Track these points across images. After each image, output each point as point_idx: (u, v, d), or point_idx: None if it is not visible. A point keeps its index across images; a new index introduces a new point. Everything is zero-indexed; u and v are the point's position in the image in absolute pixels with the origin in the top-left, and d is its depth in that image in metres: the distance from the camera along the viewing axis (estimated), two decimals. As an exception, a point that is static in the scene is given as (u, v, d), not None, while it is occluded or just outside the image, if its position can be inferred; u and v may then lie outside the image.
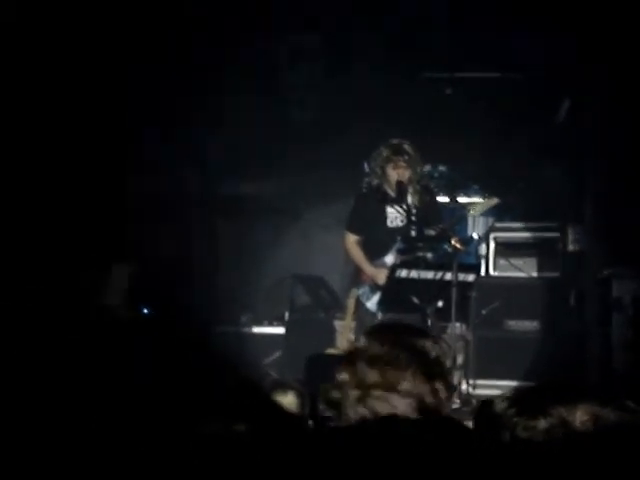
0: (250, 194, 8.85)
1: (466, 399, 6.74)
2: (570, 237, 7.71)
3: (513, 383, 6.87)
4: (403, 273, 6.26)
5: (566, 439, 1.73)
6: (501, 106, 8.10)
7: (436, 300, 6.31)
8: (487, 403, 1.90)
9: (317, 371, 5.82)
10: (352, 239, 6.72)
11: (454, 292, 6.22)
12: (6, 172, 6.48)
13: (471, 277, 6.41)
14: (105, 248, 7.20)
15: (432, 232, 6.51)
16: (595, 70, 6.88)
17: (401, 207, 6.57)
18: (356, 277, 6.79)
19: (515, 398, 1.84)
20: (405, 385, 2.21)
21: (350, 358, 2.29)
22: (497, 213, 8.04)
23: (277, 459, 1.81)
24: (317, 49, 8.29)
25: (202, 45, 7.59)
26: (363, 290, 6.62)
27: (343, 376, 2.26)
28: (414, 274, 6.25)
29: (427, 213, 6.62)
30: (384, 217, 6.64)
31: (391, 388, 2.21)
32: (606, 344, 6.45)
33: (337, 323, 7.65)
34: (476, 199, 8.09)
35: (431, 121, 8.17)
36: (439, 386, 2.23)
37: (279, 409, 2.06)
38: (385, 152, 6.56)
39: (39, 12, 6.52)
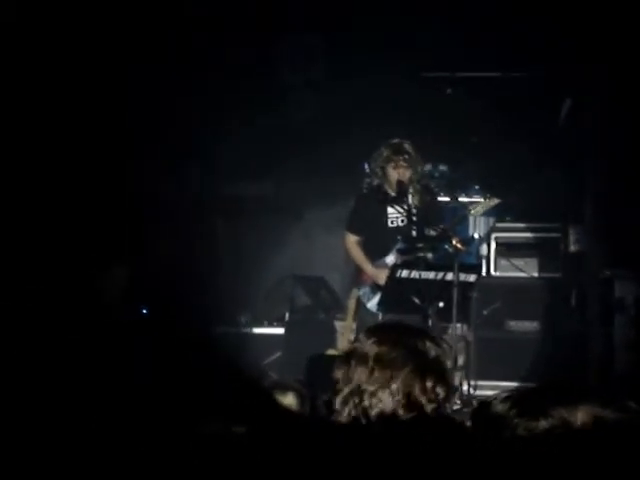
0: (251, 194, 8.85)
1: (467, 400, 6.73)
2: (571, 237, 7.71)
3: (514, 384, 6.86)
4: (404, 273, 6.25)
5: (567, 440, 1.73)
6: (501, 106, 8.10)
7: (437, 300, 6.30)
8: (485, 404, 1.89)
9: (317, 372, 5.81)
10: (352, 239, 6.72)
11: (455, 292, 6.21)
12: (6, 172, 6.48)
13: (472, 277, 6.39)
14: (105, 248, 7.20)
15: (433, 232, 6.50)
16: (595, 70, 6.88)
17: (402, 207, 6.57)
18: (357, 277, 6.78)
19: (516, 399, 1.83)
20: (397, 383, 2.22)
21: (346, 357, 2.31)
22: (498, 213, 8.04)
23: (277, 459, 1.81)
24: (317, 49, 8.28)
25: (202, 45, 7.59)
26: (364, 290, 6.61)
27: (337, 374, 2.28)
28: (415, 274, 6.24)
29: (428, 213, 6.62)
30: (385, 217, 6.63)
31: (383, 386, 2.22)
32: (608, 344, 6.45)
33: (338, 324, 7.65)
34: (477, 199, 8.08)
35: (431, 121, 8.17)
36: (429, 384, 2.24)
37: (280, 409, 2.06)
38: (385, 152, 6.55)
39: (39, 12, 6.52)
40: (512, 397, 1.84)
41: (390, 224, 6.63)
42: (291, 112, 8.42)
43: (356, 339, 2.45)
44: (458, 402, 6.59)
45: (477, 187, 8.57)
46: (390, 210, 6.62)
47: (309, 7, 7.69)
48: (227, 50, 7.74)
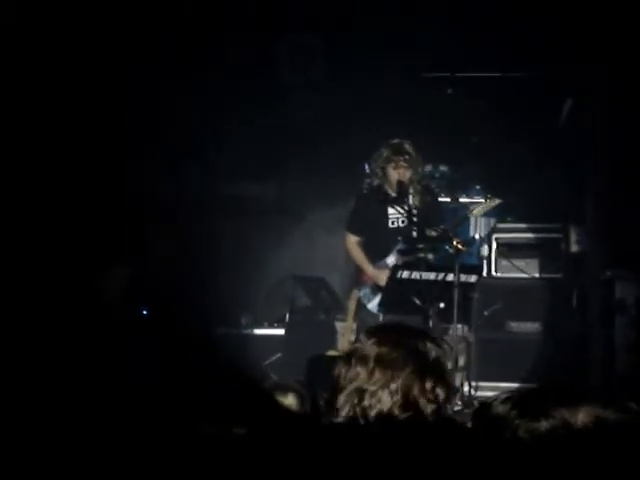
0: (251, 195, 8.85)
1: (468, 401, 6.73)
2: (572, 238, 7.71)
3: (515, 385, 6.85)
4: (404, 274, 6.24)
5: (568, 441, 1.72)
6: (502, 106, 8.10)
7: (438, 301, 6.29)
8: (486, 405, 1.89)
9: (318, 373, 5.80)
10: (352, 240, 6.71)
11: (456, 293, 6.19)
12: (6, 172, 6.48)
13: (473, 278, 6.38)
14: (105, 248, 7.20)
15: (433, 233, 6.49)
16: (595, 70, 6.88)
17: (402, 207, 6.56)
18: (357, 278, 6.77)
19: (517, 400, 1.83)
20: (397, 383, 2.22)
21: (346, 357, 2.31)
22: (499, 214, 8.03)
23: (277, 460, 1.80)
24: (317, 49, 8.28)
25: (202, 45, 7.59)
26: (364, 291, 6.60)
27: (337, 375, 2.29)
28: (416, 275, 6.23)
29: (428, 214, 6.60)
30: (385, 218, 6.62)
31: (383, 387, 2.22)
32: (609, 345, 6.44)
33: (338, 324, 7.64)
34: (477, 200, 8.08)
35: (432, 121, 8.17)
36: (429, 385, 2.24)
37: (281, 410, 2.06)
38: (386, 152, 6.54)
39: (39, 12, 6.52)
40: (513, 398, 1.84)
41: (390, 225, 6.62)
42: (291, 112, 8.42)
43: (357, 340, 2.45)
44: (459, 403, 6.59)
45: (478, 187, 8.56)
46: (390, 211, 6.61)
47: (309, 7, 7.69)
48: (227, 50, 7.74)
